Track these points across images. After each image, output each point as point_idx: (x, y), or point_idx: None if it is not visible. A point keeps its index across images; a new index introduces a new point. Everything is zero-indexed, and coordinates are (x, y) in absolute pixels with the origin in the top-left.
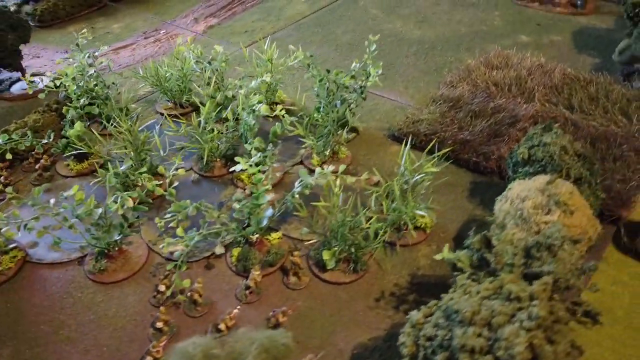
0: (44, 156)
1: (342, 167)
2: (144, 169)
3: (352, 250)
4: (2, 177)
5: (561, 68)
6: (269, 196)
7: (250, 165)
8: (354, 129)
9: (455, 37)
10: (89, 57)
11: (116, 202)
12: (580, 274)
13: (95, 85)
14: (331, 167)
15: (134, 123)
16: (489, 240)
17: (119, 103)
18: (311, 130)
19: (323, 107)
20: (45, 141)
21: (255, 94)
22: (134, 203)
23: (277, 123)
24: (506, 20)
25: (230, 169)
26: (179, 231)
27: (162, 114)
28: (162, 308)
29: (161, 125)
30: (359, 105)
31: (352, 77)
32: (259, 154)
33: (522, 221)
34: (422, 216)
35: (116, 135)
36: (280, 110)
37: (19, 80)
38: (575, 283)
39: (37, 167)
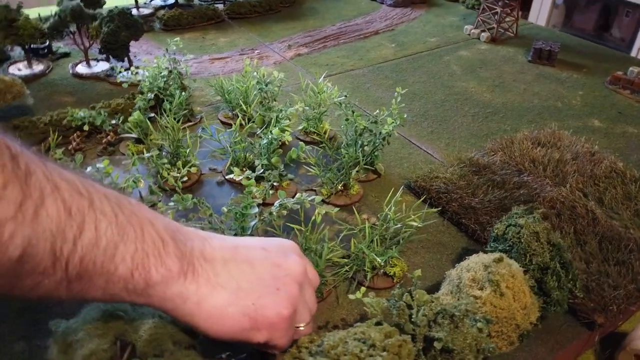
0: (111, 134)
1: (318, 198)
2: (165, 160)
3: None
4: (74, 143)
5: (611, 161)
6: (257, 209)
7: (248, 178)
8: (375, 171)
9: (523, 107)
10: (170, 60)
11: (135, 182)
12: (479, 352)
13: (167, 83)
14: (318, 197)
15: (181, 122)
16: (411, 295)
17: (188, 104)
18: (330, 163)
19: (345, 144)
20: (114, 122)
21: (286, 119)
22: (149, 186)
23: (293, 148)
24: (586, 102)
25: (226, 176)
26: (169, 217)
27: (221, 121)
28: None
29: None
30: (382, 149)
31: (374, 122)
32: (262, 170)
33: (457, 289)
34: (394, 265)
35: (163, 128)
36: (288, 135)
37: (127, 70)
38: (470, 359)
39: (103, 141)
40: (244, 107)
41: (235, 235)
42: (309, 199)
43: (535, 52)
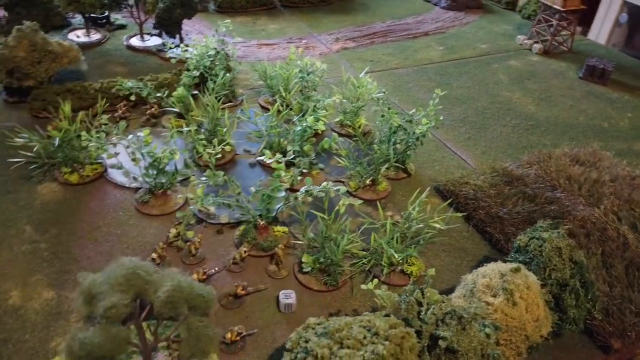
0: (155, 106)
1: (343, 189)
2: (202, 136)
3: (329, 263)
4: (120, 111)
5: None
6: (284, 193)
7: (278, 162)
8: (405, 170)
9: (567, 124)
10: (218, 41)
11: (171, 154)
12: (483, 357)
13: (213, 63)
14: (343, 189)
15: (222, 102)
16: (422, 293)
17: (231, 86)
18: (361, 157)
19: (378, 140)
20: (159, 95)
21: (323, 109)
22: (184, 159)
23: (326, 138)
24: (634, 125)
25: (257, 157)
26: (199, 191)
27: (261, 105)
28: (160, 244)
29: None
30: (415, 149)
31: (409, 121)
32: (293, 155)
33: (470, 294)
34: (412, 264)
35: (204, 106)
36: (322, 125)
37: (177, 46)
38: None
39: (147, 113)
40: (283, 93)
41: (260, 216)
42: (335, 189)
43: (588, 69)
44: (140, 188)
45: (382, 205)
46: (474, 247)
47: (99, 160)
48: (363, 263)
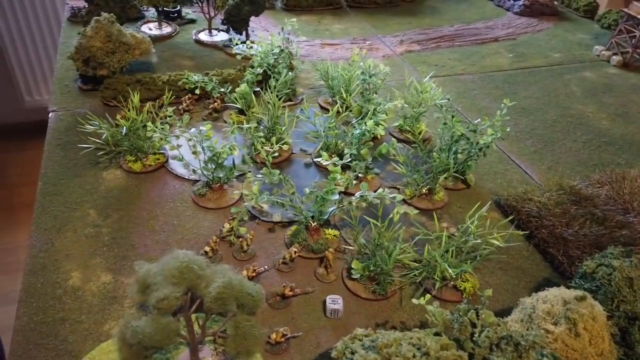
0: (218, 101)
1: (399, 197)
2: (261, 134)
3: (378, 272)
4: (185, 104)
5: None
6: (338, 196)
7: (335, 164)
8: (465, 181)
9: None
10: (283, 40)
11: (230, 149)
12: None
13: (277, 61)
14: (399, 196)
15: (283, 100)
16: (477, 313)
17: (293, 84)
18: (419, 165)
19: (438, 149)
20: (222, 90)
21: (383, 113)
22: (242, 155)
23: (384, 143)
24: None
25: (314, 158)
26: (254, 188)
27: (320, 106)
28: (214, 237)
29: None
30: (477, 160)
31: (473, 130)
32: (350, 159)
33: (529, 319)
34: (466, 280)
35: (265, 103)
36: (382, 129)
37: (243, 43)
38: None
39: (210, 107)
40: (344, 94)
41: (312, 217)
42: (390, 196)
43: None
44: (198, 181)
45: (437, 216)
46: (534, 268)
47: (162, 151)
48: (414, 275)
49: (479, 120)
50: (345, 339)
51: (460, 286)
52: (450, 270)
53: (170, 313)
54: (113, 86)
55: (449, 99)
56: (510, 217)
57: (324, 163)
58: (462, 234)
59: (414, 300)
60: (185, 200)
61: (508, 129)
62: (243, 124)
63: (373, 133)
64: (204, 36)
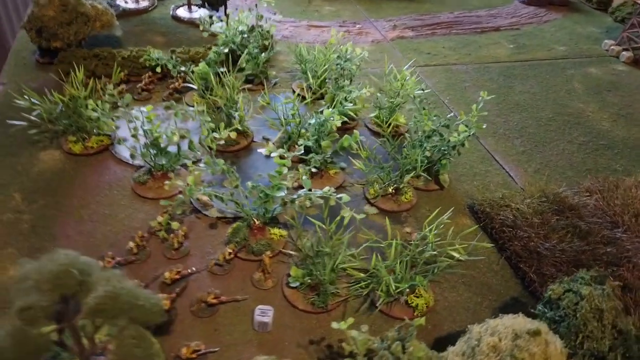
0: (180, 80)
1: (345, 197)
2: (209, 118)
3: (317, 282)
4: (143, 83)
5: None
6: (283, 192)
7: (282, 157)
8: (438, 181)
9: None
10: (256, 17)
11: (173, 133)
12: None
13: (247, 40)
14: (345, 197)
15: (241, 83)
16: (403, 346)
17: (266, 67)
18: (387, 161)
19: (409, 144)
20: (183, 68)
21: (351, 101)
22: (189, 142)
23: (346, 135)
24: None
25: (259, 149)
26: (190, 179)
27: (293, 91)
28: (139, 232)
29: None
30: (450, 159)
31: (446, 126)
32: (302, 151)
33: (471, 352)
34: (419, 295)
35: (227, 87)
36: (338, 120)
37: (220, 20)
38: None
39: (171, 87)
40: (310, 79)
41: (257, 215)
42: (337, 196)
43: None
44: (141, 167)
45: (403, 219)
46: (501, 285)
47: (108, 133)
48: (360, 287)
49: (452, 114)
50: None
51: (412, 302)
52: (393, 286)
53: (38, 323)
54: (68, 59)
55: (423, 90)
56: (474, 227)
57: (265, 153)
58: (417, 243)
59: (334, 325)
60: (124, 188)
61: (484, 126)
62: (202, 108)
63: (336, 123)
64: (182, 12)
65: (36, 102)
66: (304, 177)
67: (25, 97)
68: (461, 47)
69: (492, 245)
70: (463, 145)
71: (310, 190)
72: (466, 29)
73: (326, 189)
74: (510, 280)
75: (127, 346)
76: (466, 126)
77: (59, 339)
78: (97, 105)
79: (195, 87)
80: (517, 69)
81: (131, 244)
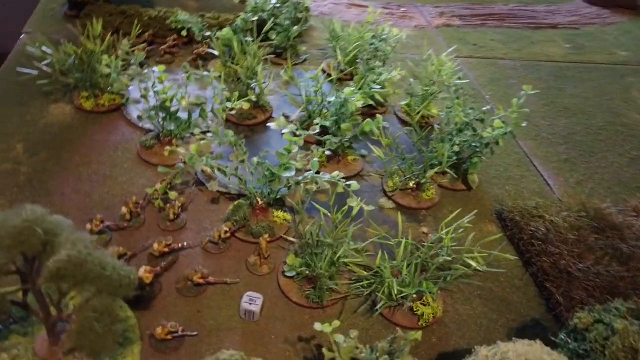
0: (205, 46)
1: (354, 185)
2: (223, 85)
3: (315, 274)
4: (165, 45)
5: None
6: (291, 173)
7: (294, 134)
8: (466, 181)
9: None
10: None
11: (182, 97)
12: None
13: (278, 10)
14: (355, 185)
15: (263, 53)
16: (392, 355)
17: (296, 40)
18: (410, 152)
19: (437, 136)
20: (208, 33)
21: (379, 83)
22: (200, 109)
23: (367, 119)
24: None
25: (268, 123)
26: (192, 147)
27: (323, 70)
28: (134, 197)
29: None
30: (481, 157)
31: (480, 120)
32: (317, 130)
33: None
34: (426, 303)
35: (248, 55)
36: (358, 100)
37: None
38: None
39: (194, 52)
40: (339, 56)
41: (261, 194)
42: (345, 182)
43: None
44: (150, 131)
45: (421, 217)
46: (522, 304)
47: (121, 92)
48: (362, 285)
49: (489, 107)
50: None
51: (417, 310)
52: (395, 290)
53: None
54: (94, 13)
55: (460, 78)
56: (499, 235)
57: (275, 128)
58: (431, 245)
59: (316, 325)
60: (129, 151)
61: (524, 124)
62: (217, 74)
63: (375, 108)
64: None
65: (47, 50)
66: (314, 159)
67: (37, 45)
68: (511, 42)
69: (517, 258)
70: (497, 143)
71: (318, 173)
72: (519, 22)
73: (335, 173)
74: (533, 299)
75: (87, 319)
76: (503, 122)
77: (23, 301)
78: (110, 61)
79: (214, 52)
80: (571, 71)
81: (124, 209)
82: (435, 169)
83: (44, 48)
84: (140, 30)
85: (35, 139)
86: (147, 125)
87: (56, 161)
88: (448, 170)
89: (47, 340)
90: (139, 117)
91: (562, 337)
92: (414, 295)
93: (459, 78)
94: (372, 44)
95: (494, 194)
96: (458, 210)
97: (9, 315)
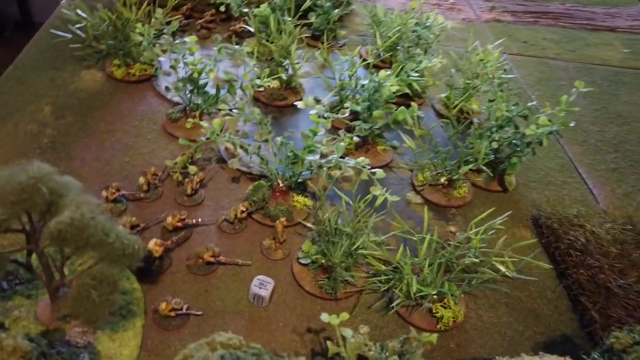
0: (241, 22)
1: (380, 174)
2: (254, 62)
3: (330, 264)
4: (202, 20)
5: None
6: (315, 156)
7: (320, 115)
8: (502, 182)
9: None
10: None
11: (211, 70)
12: None
13: None
14: (381, 173)
15: (298, 32)
16: (402, 357)
17: (336, 24)
18: (444, 145)
19: (475, 131)
20: (246, 10)
21: (418, 71)
22: (229, 85)
23: (401, 107)
24: None
25: (296, 102)
26: (216, 122)
27: (360, 55)
28: (153, 169)
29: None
30: (521, 157)
31: (524, 116)
32: (346, 114)
33: None
34: (447, 306)
35: (283, 34)
36: (393, 85)
37: None
38: None
39: (230, 29)
40: (378, 41)
41: (283, 176)
42: (370, 169)
43: None
44: (177, 104)
45: (450, 216)
46: (552, 317)
47: (152, 62)
48: (379, 280)
49: (533, 103)
50: (196, 344)
51: (437, 312)
52: (414, 288)
53: None
54: None
55: (505, 70)
56: (533, 241)
57: (300, 106)
58: (458, 245)
59: (323, 316)
60: (155, 123)
61: (572, 124)
62: (249, 49)
63: (412, 99)
64: None
65: (82, 14)
66: (340, 144)
67: (73, 7)
68: (565, 42)
69: (551, 267)
70: (541, 143)
71: (342, 158)
72: (575, 23)
73: (360, 159)
74: (565, 314)
75: (84, 286)
76: (549, 120)
77: (26, 261)
78: (143, 29)
79: (250, 29)
80: (628, 77)
81: (141, 180)
82: (470, 166)
83: (78, 11)
84: (177, 1)
85: (64, 102)
86: (176, 98)
87: (81, 126)
88: (484, 168)
89: (50, 305)
90: (167, 89)
91: (596, 356)
92: (435, 297)
93: (505, 71)
94: (414, 31)
95: (532, 199)
96: (490, 210)
97: (15, 276)
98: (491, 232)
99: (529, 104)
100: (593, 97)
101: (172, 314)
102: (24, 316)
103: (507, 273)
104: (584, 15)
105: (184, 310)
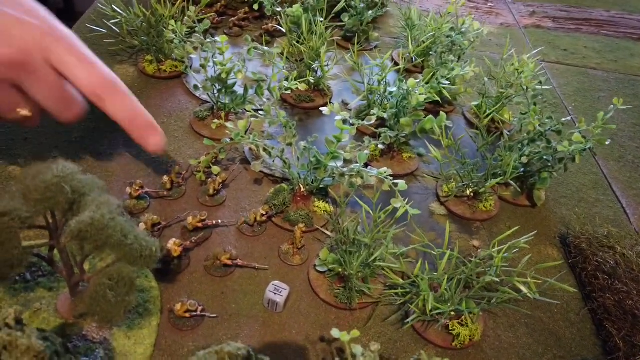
0: (273, 21)
1: (402, 185)
2: (283, 64)
3: (347, 273)
4: (235, 18)
5: None
6: (338, 163)
7: (345, 121)
8: (530, 197)
9: None
10: None
11: (239, 71)
12: None
13: None
14: (403, 184)
15: (330, 34)
16: None
17: (370, 26)
18: (472, 157)
19: (504, 143)
20: (279, 9)
21: (450, 79)
22: (256, 86)
23: (429, 116)
24: None
25: (321, 108)
26: (241, 124)
27: (392, 58)
28: (177, 167)
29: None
30: (552, 173)
31: (557, 131)
32: (372, 121)
33: None
34: (464, 323)
35: (317, 36)
36: (421, 94)
37: None
38: None
39: (262, 27)
40: (410, 46)
41: (305, 180)
42: (392, 180)
43: None
44: (205, 102)
45: (474, 230)
46: (575, 342)
47: (183, 60)
48: (396, 293)
49: (569, 117)
50: (211, 351)
51: (453, 330)
52: (430, 304)
53: (10, 234)
54: None
55: (541, 83)
56: (559, 262)
57: (324, 112)
58: (479, 262)
59: (334, 332)
60: (182, 120)
61: (608, 142)
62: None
63: (425, 100)
64: None
65: (118, 9)
66: (363, 152)
67: (109, 3)
68: (607, 51)
69: (577, 290)
70: (574, 160)
71: (366, 166)
72: (620, 32)
73: (383, 169)
74: (588, 338)
75: (101, 285)
76: (583, 137)
77: (48, 256)
78: (176, 26)
79: (281, 29)
80: None
81: (165, 178)
82: (498, 179)
83: (114, 7)
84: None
85: None
86: (204, 96)
87: (110, 122)
88: (511, 182)
89: (69, 299)
90: (195, 87)
91: None
92: (452, 313)
93: (540, 83)
94: (448, 36)
95: (561, 215)
96: (516, 228)
97: (38, 268)
98: (515, 250)
99: (564, 118)
100: (634, 111)
101: (187, 315)
102: (44, 308)
103: (529, 294)
104: (629, 24)
105: (197, 312)
